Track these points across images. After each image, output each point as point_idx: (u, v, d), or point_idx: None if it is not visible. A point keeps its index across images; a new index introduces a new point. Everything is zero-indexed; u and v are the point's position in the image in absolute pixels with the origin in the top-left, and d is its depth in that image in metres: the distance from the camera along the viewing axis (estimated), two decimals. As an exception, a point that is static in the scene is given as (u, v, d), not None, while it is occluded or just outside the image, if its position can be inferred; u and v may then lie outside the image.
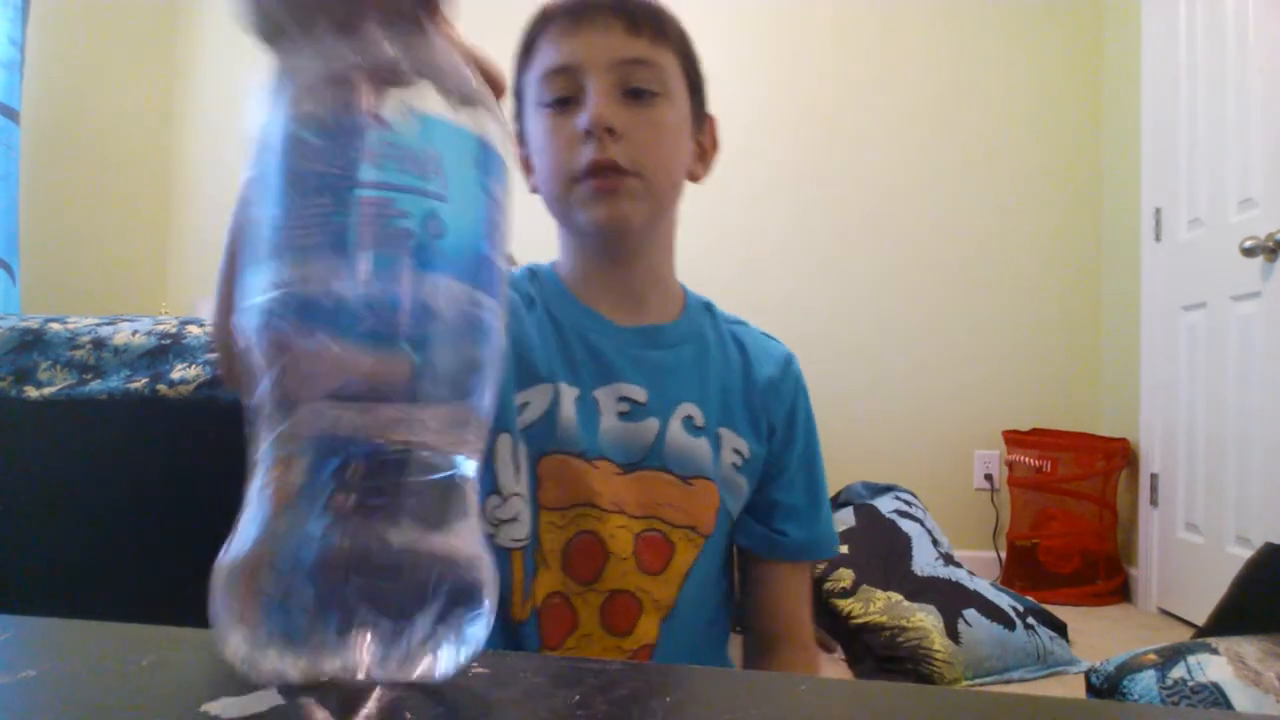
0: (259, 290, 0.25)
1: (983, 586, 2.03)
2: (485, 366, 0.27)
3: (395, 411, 0.25)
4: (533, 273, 0.75)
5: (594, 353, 0.70)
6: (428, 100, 0.25)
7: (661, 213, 0.70)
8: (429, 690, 0.32)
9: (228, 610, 0.25)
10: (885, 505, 2.33)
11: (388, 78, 0.25)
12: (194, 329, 1.17)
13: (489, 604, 0.28)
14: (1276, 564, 1.58)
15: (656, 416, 0.69)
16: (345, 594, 0.24)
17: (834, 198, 3.02)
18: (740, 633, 0.79)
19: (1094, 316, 2.95)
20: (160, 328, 1.17)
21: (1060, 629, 2.02)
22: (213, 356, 0.56)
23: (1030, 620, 1.95)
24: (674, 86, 0.69)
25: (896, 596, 1.94)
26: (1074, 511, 2.64)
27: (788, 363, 0.77)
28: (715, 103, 0.77)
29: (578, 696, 0.31)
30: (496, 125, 0.27)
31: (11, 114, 2.49)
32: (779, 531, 0.74)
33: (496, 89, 0.29)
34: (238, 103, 3.32)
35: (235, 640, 0.25)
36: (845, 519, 2.26)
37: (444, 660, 0.27)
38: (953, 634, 1.83)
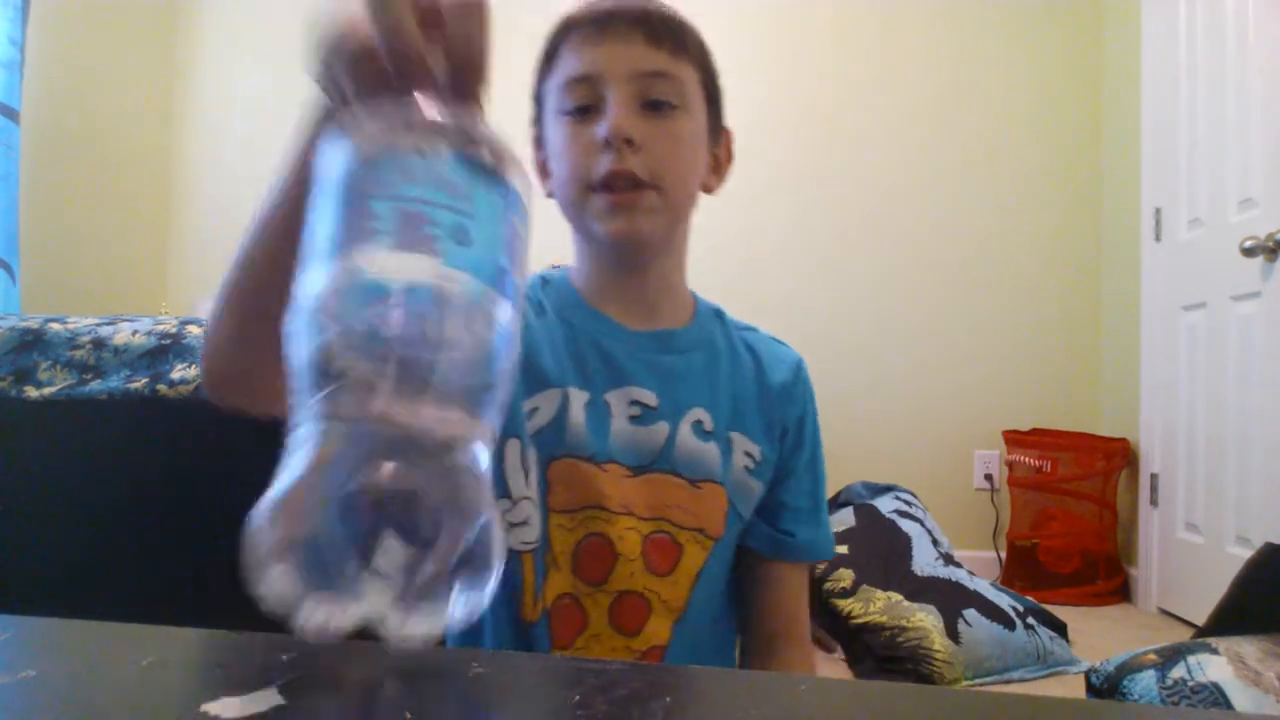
0: (318, 282, 0.30)
1: (983, 586, 2.03)
2: (499, 357, 0.31)
3: (419, 390, 0.29)
4: (545, 280, 0.76)
5: (606, 357, 0.71)
6: (463, 146, 0.32)
7: (677, 224, 0.71)
8: (430, 691, 0.32)
9: (263, 548, 0.28)
10: (885, 505, 2.33)
11: (432, 130, 0.32)
12: (194, 329, 1.17)
13: (495, 568, 0.31)
14: (1276, 564, 1.58)
15: (667, 420, 0.70)
16: (367, 540, 0.28)
17: (834, 198, 3.02)
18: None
19: (1094, 316, 2.95)
20: (160, 328, 1.17)
21: (1060, 629, 2.02)
22: (205, 366, 0.56)
23: (1030, 620, 1.95)
24: (692, 99, 0.69)
25: (896, 596, 1.94)
26: (1074, 511, 2.64)
27: (799, 368, 0.78)
28: (715, 103, 0.76)
29: (578, 696, 0.31)
30: (518, 173, 0.33)
31: (11, 114, 2.49)
32: (786, 533, 0.75)
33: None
34: (238, 103, 3.33)
35: (269, 577, 0.28)
36: (845, 519, 2.25)
37: (453, 607, 0.30)
38: (953, 634, 1.83)
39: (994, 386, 2.94)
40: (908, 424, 2.95)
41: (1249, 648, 1.30)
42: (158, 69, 3.32)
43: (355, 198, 0.30)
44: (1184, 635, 1.84)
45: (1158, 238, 2.59)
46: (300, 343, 0.30)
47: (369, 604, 0.28)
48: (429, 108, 0.32)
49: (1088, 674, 1.42)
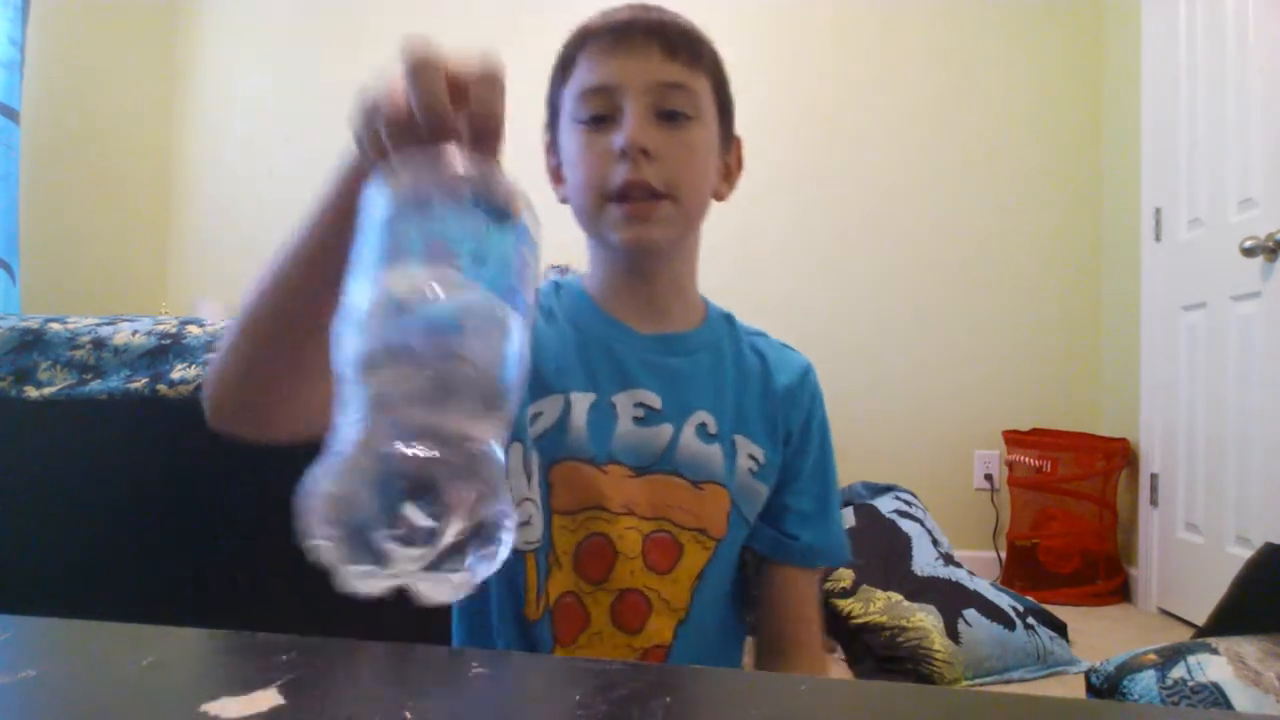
0: (362, 296, 0.36)
1: (983, 586, 2.03)
2: (511, 358, 0.36)
3: (446, 384, 0.34)
4: (558, 285, 0.78)
5: (613, 359, 0.72)
6: (482, 191, 0.38)
7: (689, 231, 0.73)
8: (430, 691, 0.32)
9: (316, 517, 0.32)
10: (885, 505, 2.33)
11: (458, 178, 0.38)
12: (194, 329, 1.17)
13: (506, 538, 0.34)
14: (1276, 564, 1.58)
15: (670, 423, 0.72)
16: (397, 514, 0.32)
17: (834, 198, 3.02)
18: (751, 635, 0.80)
19: (1094, 316, 2.95)
20: (160, 328, 1.17)
21: (1060, 629, 2.02)
22: (209, 394, 0.57)
23: (1030, 620, 1.95)
24: (706, 109, 0.71)
25: (896, 596, 1.94)
26: (1074, 511, 2.64)
27: (806, 372, 0.79)
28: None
29: (578, 696, 0.31)
30: (528, 212, 0.39)
31: (11, 114, 2.49)
32: (789, 535, 0.75)
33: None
34: (238, 103, 3.33)
35: (318, 535, 0.32)
36: (845, 519, 2.25)
37: (469, 573, 0.34)
38: (953, 634, 1.83)
39: (994, 386, 2.94)
40: (908, 424, 2.95)
41: (1249, 648, 1.30)
42: (158, 69, 3.32)
43: (394, 231, 0.37)
44: (1184, 635, 1.84)
45: (1158, 238, 2.59)
46: (348, 345, 0.35)
47: (399, 570, 0.32)
48: (455, 160, 0.38)
49: (1088, 674, 1.42)
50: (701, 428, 0.72)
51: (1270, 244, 2.06)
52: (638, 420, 0.71)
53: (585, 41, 0.70)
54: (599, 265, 0.76)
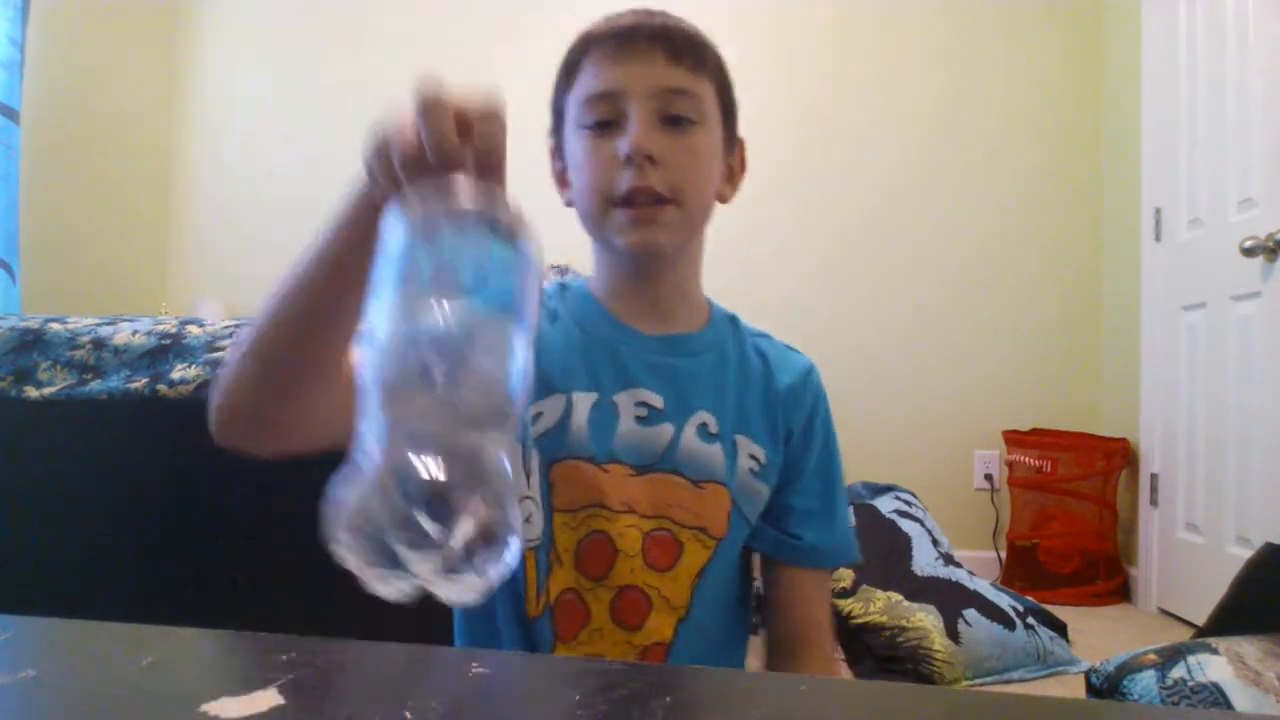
0: (381, 316, 0.38)
1: (983, 586, 2.03)
2: (514, 368, 0.38)
3: (457, 395, 0.36)
4: (564, 287, 0.79)
5: (616, 360, 0.73)
6: (486, 217, 0.40)
7: (694, 235, 0.73)
8: (430, 691, 0.32)
9: (339, 523, 0.34)
10: (885, 505, 2.33)
11: (464, 206, 0.40)
12: (194, 329, 1.17)
13: (514, 542, 0.36)
14: (1276, 564, 1.58)
15: (672, 422, 0.72)
16: (416, 516, 0.34)
17: (834, 198, 3.02)
18: (760, 635, 0.80)
19: (1094, 316, 2.95)
20: (160, 328, 1.17)
21: (1060, 629, 2.02)
22: (217, 406, 0.58)
23: (1030, 620, 1.95)
24: (710, 113, 0.71)
25: (896, 596, 1.94)
26: (1074, 511, 2.64)
27: (808, 372, 0.80)
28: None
29: (578, 696, 0.31)
30: (529, 236, 0.41)
31: (11, 114, 2.49)
32: (792, 535, 0.76)
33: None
34: (238, 103, 3.33)
35: (341, 541, 0.34)
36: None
37: (481, 569, 0.35)
38: (953, 634, 1.83)
39: (994, 386, 2.94)
40: (908, 424, 2.95)
41: (1249, 648, 1.30)
42: (158, 69, 3.32)
43: (407, 254, 0.39)
44: (1184, 635, 1.84)
45: (1158, 238, 2.59)
46: (370, 364, 0.38)
47: (418, 573, 0.34)
48: (464, 191, 0.41)
49: (1088, 674, 1.42)
50: (703, 427, 0.73)
51: (1270, 244, 2.06)
52: (639, 419, 0.72)
53: (589, 47, 0.71)
54: (604, 268, 0.76)
